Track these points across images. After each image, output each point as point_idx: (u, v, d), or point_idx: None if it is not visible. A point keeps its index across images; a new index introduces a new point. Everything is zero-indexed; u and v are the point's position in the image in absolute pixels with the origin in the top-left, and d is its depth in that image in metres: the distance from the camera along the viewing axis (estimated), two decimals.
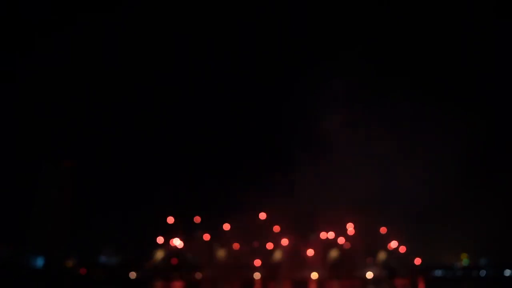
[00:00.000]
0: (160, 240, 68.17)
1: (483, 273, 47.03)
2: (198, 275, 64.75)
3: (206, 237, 70.22)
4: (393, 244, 57.13)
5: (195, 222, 70.68)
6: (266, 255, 70.02)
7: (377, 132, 60.26)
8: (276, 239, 70.48)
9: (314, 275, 58.84)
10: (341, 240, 63.13)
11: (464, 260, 58.50)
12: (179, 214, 66.00)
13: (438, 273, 50.92)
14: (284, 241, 67.81)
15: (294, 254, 67.31)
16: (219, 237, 71.95)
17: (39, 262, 67.73)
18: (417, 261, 51.34)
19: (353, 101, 46.97)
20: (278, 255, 67.84)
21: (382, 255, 74.65)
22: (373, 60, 42.82)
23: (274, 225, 66.17)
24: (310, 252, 66.70)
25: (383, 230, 58.37)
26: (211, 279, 57.01)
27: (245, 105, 48.28)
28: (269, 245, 69.38)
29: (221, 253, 68.42)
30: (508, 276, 42.26)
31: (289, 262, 65.30)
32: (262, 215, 64.24)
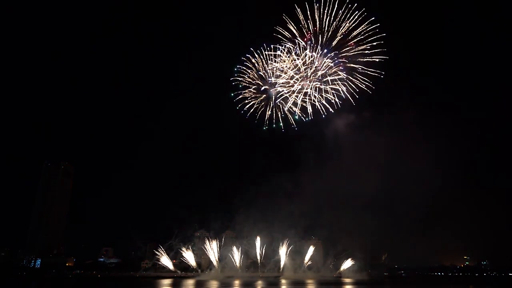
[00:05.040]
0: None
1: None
2: (199, 276, 63.34)
3: (208, 237, 68.18)
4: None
5: (199, 223, 68.51)
6: (271, 255, 67.87)
7: (383, 136, 59.64)
8: (281, 239, 68.24)
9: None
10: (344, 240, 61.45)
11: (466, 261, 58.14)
12: (180, 215, 64.92)
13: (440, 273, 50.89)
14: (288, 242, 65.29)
15: (297, 254, 65.37)
16: (222, 237, 69.88)
17: (38, 262, 66.66)
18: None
19: (360, 106, 46.33)
20: (282, 255, 66.13)
21: (384, 256, 73.01)
22: (379, 66, 41.81)
23: (279, 224, 64.49)
24: (312, 252, 65.08)
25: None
26: (213, 280, 56.00)
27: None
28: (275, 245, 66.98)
29: (224, 253, 66.45)
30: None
31: (292, 262, 63.76)
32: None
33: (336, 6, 33.82)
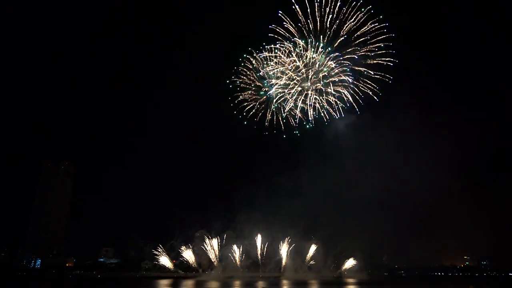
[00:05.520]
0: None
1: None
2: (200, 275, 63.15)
3: (208, 237, 67.98)
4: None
5: (199, 222, 68.31)
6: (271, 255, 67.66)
7: (383, 136, 59.53)
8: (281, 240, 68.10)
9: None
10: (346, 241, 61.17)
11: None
12: (180, 215, 64.82)
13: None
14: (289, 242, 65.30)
15: (298, 254, 65.12)
16: (222, 236, 69.51)
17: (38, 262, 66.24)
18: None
19: (361, 106, 46.29)
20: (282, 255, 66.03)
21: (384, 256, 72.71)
22: (384, 69, 40.92)
23: (280, 225, 64.48)
24: (313, 252, 64.74)
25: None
26: (215, 279, 55.83)
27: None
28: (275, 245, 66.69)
29: (225, 253, 66.33)
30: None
31: (293, 262, 63.67)
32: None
33: (338, 3, 33.33)
